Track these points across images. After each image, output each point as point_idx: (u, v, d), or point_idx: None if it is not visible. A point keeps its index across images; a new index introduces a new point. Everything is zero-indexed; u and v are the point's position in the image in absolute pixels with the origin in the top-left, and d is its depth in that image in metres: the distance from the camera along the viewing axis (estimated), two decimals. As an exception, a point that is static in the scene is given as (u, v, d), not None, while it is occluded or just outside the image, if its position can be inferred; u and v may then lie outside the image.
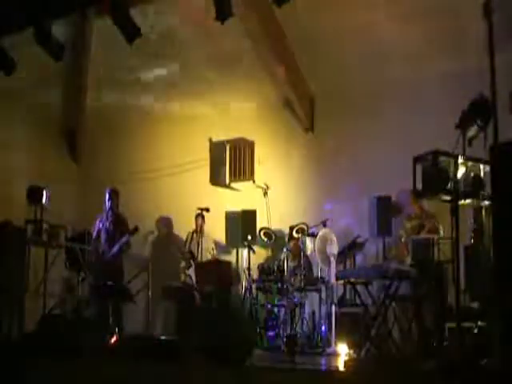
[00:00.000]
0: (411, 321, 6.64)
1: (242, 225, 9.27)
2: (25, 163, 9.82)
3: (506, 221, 4.23)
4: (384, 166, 8.85)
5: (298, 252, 8.56)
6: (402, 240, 7.93)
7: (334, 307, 7.87)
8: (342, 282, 7.45)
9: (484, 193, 5.10)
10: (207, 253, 8.87)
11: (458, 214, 4.95)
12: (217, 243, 9.46)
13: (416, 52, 8.37)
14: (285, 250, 8.67)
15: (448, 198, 5.15)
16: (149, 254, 9.89)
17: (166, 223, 10.11)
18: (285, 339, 7.41)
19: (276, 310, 8.32)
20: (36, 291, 8.03)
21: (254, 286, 8.44)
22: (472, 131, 4.98)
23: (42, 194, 8.18)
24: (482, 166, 5.11)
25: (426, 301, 6.69)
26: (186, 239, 9.26)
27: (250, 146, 10.23)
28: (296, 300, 8.06)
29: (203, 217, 8.92)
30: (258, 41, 8.73)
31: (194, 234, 9.15)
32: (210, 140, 10.36)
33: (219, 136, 10.33)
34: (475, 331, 5.15)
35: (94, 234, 8.53)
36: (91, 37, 9.03)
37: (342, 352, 7.02)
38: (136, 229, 8.22)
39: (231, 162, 10.34)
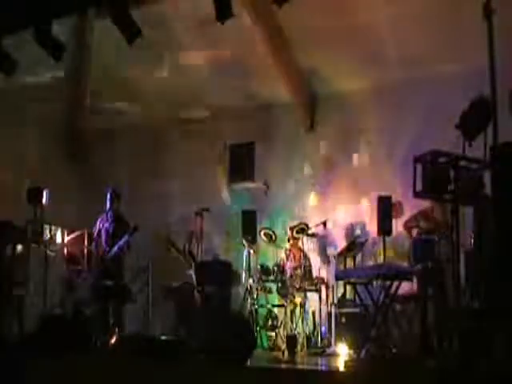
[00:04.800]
0: (411, 321, 6.65)
1: (242, 225, 9.27)
2: (25, 163, 9.82)
3: (507, 221, 4.23)
4: (384, 165, 8.86)
5: (298, 252, 8.56)
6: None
7: (334, 307, 7.87)
8: (342, 282, 7.46)
9: (484, 193, 5.10)
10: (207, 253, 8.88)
11: (458, 214, 4.95)
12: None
13: (416, 52, 8.37)
14: (285, 250, 8.67)
15: (448, 198, 5.15)
16: (150, 254, 9.88)
17: (166, 224, 10.09)
18: (285, 339, 7.41)
19: (276, 310, 8.32)
20: (36, 291, 8.02)
21: (254, 286, 8.44)
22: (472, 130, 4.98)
23: (42, 195, 8.18)
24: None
25: (427, 301, 6.69)
26: (186, 240, 9.25)
27: (250, 146, 10.25)
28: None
29: (202, 217, 8.89)
30: (257, 41, 8.73)
31: (193, 234, 9.14)
32: (211, 141, 10.37)
33: (219, 136, 10.33)
34: (475, 331, 5.15)
35: (95, 234, 8.51)
36: (91, 37, 9.04)
37: (342, 352, 7.03)
38: (135, 228, 8.20)
39: (232, 162, 10.36)
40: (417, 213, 7.88)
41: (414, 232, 7.83)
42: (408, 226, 7.95)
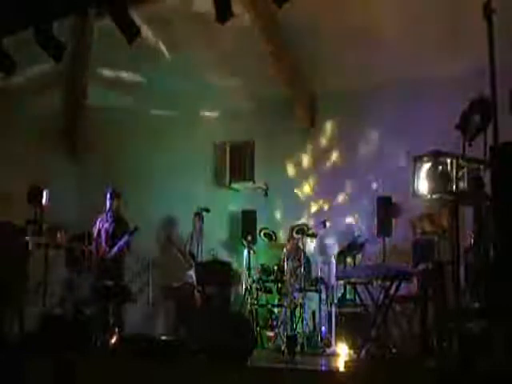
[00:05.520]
0: (411, 321, 6.64)
1: (242, 225, 9.28)
2: (25, 163, 9.82)
3: (507, 221, 4.23)
4: (384, 166, 8.86)
5: (298, 252, 8.56)
6: None
7: (334, 307, 7.87)
8: (342, 282, 7.45)
9: (484, 193, 5.10)
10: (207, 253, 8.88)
11: (458, 214, 4.95)
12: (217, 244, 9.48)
13: (416, 52, 8.37)
14: (285, 250, 8.67)
15: (448, 198, 5.15)
16: (151, 254, 9.88)
17: (167, 224, 10.09)
18: (285, 339, 7.41)
19: (276, 310, 8.31)
20: (36, 291, 8.03)
21: (254, 286, 8.44)
22: (472, 130, 4.98)
23: (42, 194, 8.19)
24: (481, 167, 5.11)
25: (427, 301, 6.69)
26: (187, 240, 9.25)
27: (250, 146, 10.25)
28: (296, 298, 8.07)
29: (202, 217, 8.89)
30: (258, 41, 8.73)
31: (193, 234, 9.14)
32: (211, 141, 10.38)
33: (219, 136, 10.33)
34: (475, 331, 5.15)
35: (95, 234, 8.52)
36: (91, 37, 9.04)
37: (342, 352, 7.03)
38: (136, 229, 8.21)
39: (232, 162, 10.36)
40: (423, 214, 7.86)
41: (417, 231, 7.83)
42: (413, 225, 7.94)
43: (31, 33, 6.64)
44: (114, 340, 6.98)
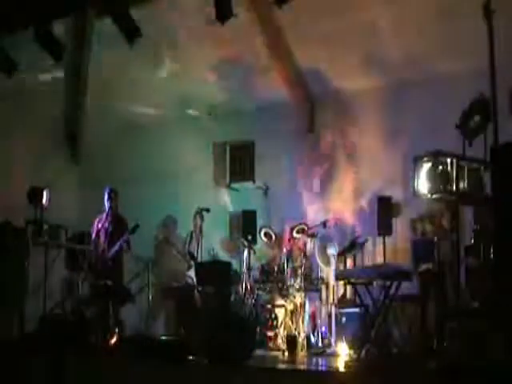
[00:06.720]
0: (411, 321, 6.65)
1: (242, 225, 9.27)
2: (25, 164, 9.82)
3: (506, 221, 4.24)
4: (384, 166, 8.86)
5: (298, 252, 8.55)
6: None
7: (334, 307, 7.87)
8: (342, 282, 7.46)
9: (484, 193, 5.10)
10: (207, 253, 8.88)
11: (459, 214, 4.96)
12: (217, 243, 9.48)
13: (416, 52, 8.36)
14: (285, 250, 8.67)
15: (448, 198, 5.16)
16: (150, 255, 9.87)
17: (167, 224, 10.08)
18: (285, 339, 7.41)
19: (276, 310, 8.31)
20: (36, 291, 8.03)
21: (254, 286, 8.43)
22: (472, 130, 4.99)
23: (43, 195, 8.19)
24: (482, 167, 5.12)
25: (427, 301, 6.70)
26: (185, 240, 9.24)
27: (250, 146, 10.24)
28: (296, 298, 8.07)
29: (202, 217, 8.89)
30: (257, 41, 8.73)
31: (194, 234, 9.14)
32: (211, 141, 10.37)
33: (219, 136, 10.33)
34: (475, 331, 5.16)
35: (93, 234, 8.52)
36: (91, 37, 9.03)
37: (342, 352, 7.02)
38: (137, 226, 8.19)
39: (232, 162, 10.35)
40: (423, 214, 7.87)
41: (418, 231, 7.83)
42: (413, 226, 7.95)
43: (31, 33, 6.65)
44: (113, 340, 6.99)
